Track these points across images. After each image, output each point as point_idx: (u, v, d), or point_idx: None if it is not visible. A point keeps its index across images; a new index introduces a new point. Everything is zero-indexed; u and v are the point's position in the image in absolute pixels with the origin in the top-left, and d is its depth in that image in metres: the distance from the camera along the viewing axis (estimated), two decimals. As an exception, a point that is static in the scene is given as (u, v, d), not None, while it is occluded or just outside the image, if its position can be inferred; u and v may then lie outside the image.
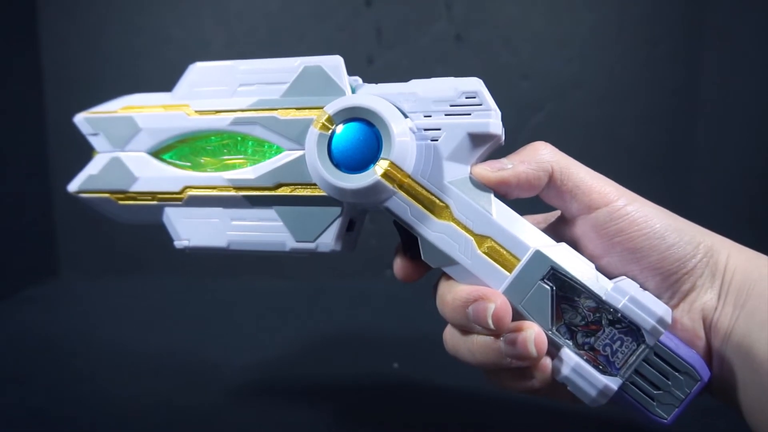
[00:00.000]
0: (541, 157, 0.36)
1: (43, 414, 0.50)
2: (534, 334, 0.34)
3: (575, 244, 0.37)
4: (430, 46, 0.93)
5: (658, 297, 0.35)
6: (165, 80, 0.44)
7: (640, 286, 0.35)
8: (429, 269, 0.39)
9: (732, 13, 0.89)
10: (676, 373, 0.34)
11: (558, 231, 0.39)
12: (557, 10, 0.94)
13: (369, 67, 0.91)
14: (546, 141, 0.38)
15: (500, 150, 0.38)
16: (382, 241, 0.92)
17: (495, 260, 0.36)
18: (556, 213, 0.40)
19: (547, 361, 0.35)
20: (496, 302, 0.34)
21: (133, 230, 0.94)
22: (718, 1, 0.91)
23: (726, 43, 0.90)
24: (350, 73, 0.40)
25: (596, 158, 0.37)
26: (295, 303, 0.88)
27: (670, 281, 0.35)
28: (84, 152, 0.45)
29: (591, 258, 0.36)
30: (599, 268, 0.36)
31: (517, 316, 0.35)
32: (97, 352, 0.65)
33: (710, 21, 0.91)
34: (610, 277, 0.35)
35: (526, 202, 0.38)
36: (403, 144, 0.36)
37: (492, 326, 0.34)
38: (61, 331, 0.73)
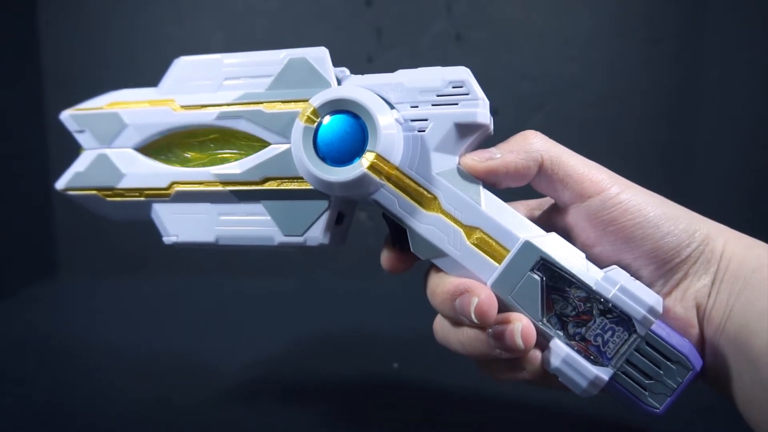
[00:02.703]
0: (530, 146, 0.36)
1: (43, 413, 0.51)
2: (521, 326, 0.33)
3: (568, 233, 0.37)
4: (430, 46, 0.93)
5: (651, 285, 0.35)
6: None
7: (634, 275, 0.35)
8: (417, 260, 0.39)
9: (732, 12, 0.89)
10: (668, 363, 0.33)
11: (551, 219, 0.39)
12: (557, 10, 0.94)
13: (369, 66, 0.91)
14: (541, 134, 0.37)
15: (494, 143, 0.38)
16: (380, 240, 0.92)
17: (484, 251, 0.35)
18: (551, 200, 0.39)
19: (536, 353, 0.35)
20: (480, 296, 0.34)
21: (132, 230, 0.94)
22: (718, 1, 0.90)
23: (726, 43, 0.89)
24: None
25: (596, 158, 0.37)
26: (295, 303, 0.88)
27: (664, 270, 0.35)
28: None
29: (584, 246, 0.36)
30: (593, 257, 0.36)
31: (507, 307, 0.35)
32: (96, 352, 0.66)
33: (710, 21, 0.91)
34: (604, 265, 0.35)
35: (520, 190, 0.38)
36: (389, 136, 0.35)
37: (475, 320, 0.34)
38: (61, 331, 0.73)
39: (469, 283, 0.35)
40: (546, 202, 0.40)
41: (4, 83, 0.89)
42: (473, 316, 0.34)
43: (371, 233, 0.93)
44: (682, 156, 0.94)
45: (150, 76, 0.92)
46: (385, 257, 0.40)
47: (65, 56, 0.96)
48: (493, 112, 0.37)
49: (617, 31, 0.93)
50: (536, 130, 0.38)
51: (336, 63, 0.39)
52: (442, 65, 0.38)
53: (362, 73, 0.40)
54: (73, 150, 0.46)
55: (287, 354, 0.65)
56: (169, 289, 0.94)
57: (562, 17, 0.94)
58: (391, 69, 0.38)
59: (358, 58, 0.92)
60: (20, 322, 0.78)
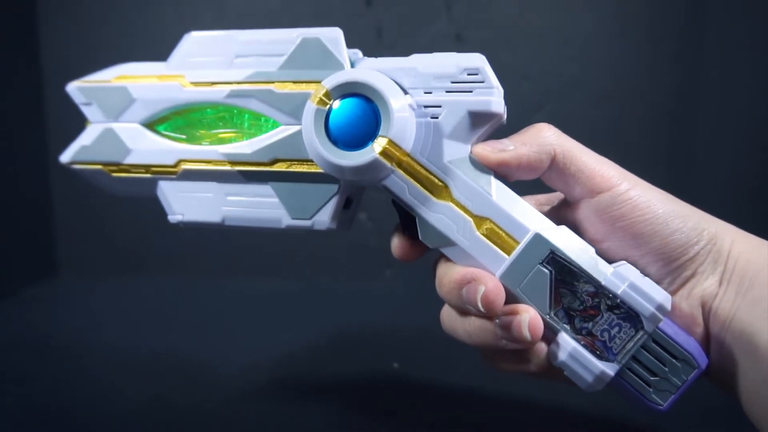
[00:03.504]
0: (543, 140, 0.36)
1: (43, 414, 0.50)
2: (529, 318, 0.33)
3: (577, 227, 0.37)
4: (430, 46, 0.92)
5: (659, 282, 0.35)
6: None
7: (641, 271, 0.35)
8: (427, 249, 0.38)
9: (732, 12, 0.89)
10: (674, 360, 0.33)
11: (561, 213, 0.39)
12: (557, 10, 0.93)
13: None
14: (554, 127, 0.37)
15: (503, 134, 0.38)
16: (381, 240, 0.92)
17: (494, 242, 0.35)
18: (560, 194, 0.39)
19: (542, 346, 0.35)
20: (487, 285, 0.34)
21: (132, 230, 0.94)
22: (718, 1, 0.91)
23: (726, 42, 0.90)
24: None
25: (596, 157, 0.37)
26: (295, 303, 0.88)
27: (672, 267, 0.35)
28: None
29: (592, 242, 0.36)
30: (600, 252, 0.35)
31: (515, 299, 0.35)
32: (97, 352, 0.65)
33: (710, 21, 0.91)
34: (611, 261, 0.35)
35: (529, 183, 0.38)
36: (402, 121, 0.35)
37: (482, 309, 0.34)
38: (61, 331, 0.73)
39: (476, 272, 0.35)
40: (555, 197, 0.40)
41: (4, 83, 0.88)
42: (480, 304, 0.34)
43: (372, 234, 0.93)
44: (683, 156, 0.94)
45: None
46: (396, 244, 0.39)
47: (65, 56, 0.96)
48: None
49: (617, 31, 0.93)
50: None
51: None
52: None
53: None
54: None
55: (287, 354, 0.65)
56: (170, 289, 0.93)
57: (562, 17, 0.94)
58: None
59: (358, 59, 0.91)
60: (20, 322, 0.77)
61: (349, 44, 0.39)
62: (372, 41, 0.92)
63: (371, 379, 0.58)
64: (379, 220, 0.93)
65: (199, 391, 0.55)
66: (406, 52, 0.37)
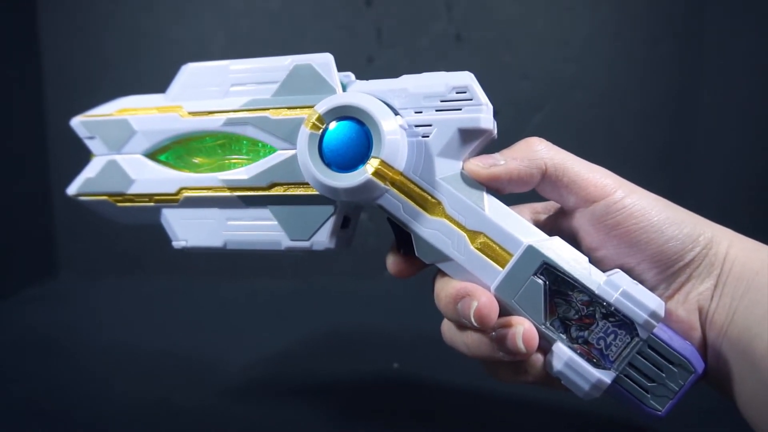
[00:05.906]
0: (534, 154, 0.36)
1: (43, 413, 0.51)
2: (523, 330, 0.34)
3: (573, 236, 0.37)
4: (430, 46, 0.93)
5: (654, 288, 0.35)
6: (165, 81, 0.44)
7: (637, 278, 0.35)
8: (424, 266, 0.39)
9: (732, 12, 0.89)
10: (670, 366, 0.34)
11: (557, 221, 0.39)
12: (557, 10, 0.94)
13: (369, 66, 0.91)
14: (546, 140, 0.37)
15: (497, 146, 0.38)
16: (380, 240, 0.92)
17: (488, 256, 0.36)
18: (556, 203, 0.39)
19: (538, 356, 0.35)
20: (480, 300, 0.34)
21: (132, 230, 0.94)
22: (718, 1, 0.91)
23: (725, 42, 0.90)
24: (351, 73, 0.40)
25: (596, 158, 0.37)
26: (295, 303, 0.88)
27: (667, 273, 0.35)
28: (84, 153, 0.45)
29: (588, 250, 0.36)
30: (597, 260, 0.36)
31: (511, 311, 0.35)
32: (97, 352, 0.66)
33: (710, 21, 0.91)
34: (608, 268, 0.35)
35: (525, 193, 0.38)
36: (393, 142, 0.36)
37: (475, 323, 0.34)
38: (61, 331, 0.73)
39: (470, 287, 0.35)
40: (551, 206, 0.41)
41: (5, 83, 0.88)
42: (473, 319, 0.34)
43: (371, 234, 0.93)
44: (682, 156, 0.94)
45: (151, 77, 0.92)
46: (391, 262, 0.40)
47: (65, 57, 0.96)
48: (494, 113, 0.37)
49: (617, 32, 0.93)
50: (536, 130, 0.38)
51: (337, 63, 0.39)
52: (443, 65, 0.38)
53: (363, 74, 0.40)
54: (74, 151, 0.46)
55: (287, 354, 0.65)
56: (169, 289, 0.94)
57: (562, 17, 0.94)
58: (391, 69, 0.38)
59: (359, 58, 0.92)
60: (20, 322, 0.77)
61: (350, 44, 0.39)
62: (372, 41, 0.92)
63: (371, 379, 0.59)
64: (379, 220, 0.93)
65: (199, 391, 0.55)
66: (406, 52, 0.38)
